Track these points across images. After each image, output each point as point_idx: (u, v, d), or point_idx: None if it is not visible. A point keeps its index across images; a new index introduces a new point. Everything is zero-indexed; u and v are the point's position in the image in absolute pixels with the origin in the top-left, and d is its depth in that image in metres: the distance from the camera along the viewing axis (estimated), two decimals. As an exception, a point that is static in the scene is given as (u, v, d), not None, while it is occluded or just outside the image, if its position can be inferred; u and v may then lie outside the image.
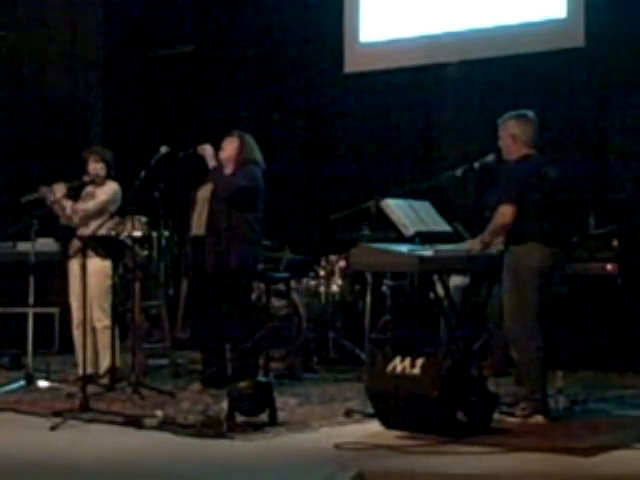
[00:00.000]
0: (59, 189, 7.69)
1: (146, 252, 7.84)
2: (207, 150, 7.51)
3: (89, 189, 7.81)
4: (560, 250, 6.21)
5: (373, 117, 10.08)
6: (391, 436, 5.69)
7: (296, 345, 8.23)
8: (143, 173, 6.97)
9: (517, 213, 6.09)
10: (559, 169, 6.34)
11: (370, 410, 6.02)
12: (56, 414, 6.22)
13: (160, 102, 11.21)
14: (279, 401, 6.28)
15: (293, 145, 10.48)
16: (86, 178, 7.76)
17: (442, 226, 7.32)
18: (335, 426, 6.05)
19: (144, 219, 7.73)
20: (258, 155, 7.51)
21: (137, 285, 7.53)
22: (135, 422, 6.02)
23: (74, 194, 7.79)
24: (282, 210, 9.59)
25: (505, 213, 6.12)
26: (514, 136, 6.26)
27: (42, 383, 7.43)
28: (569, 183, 6.56)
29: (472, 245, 6.39)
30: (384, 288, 8.35)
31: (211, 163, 7.49)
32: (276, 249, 8.78)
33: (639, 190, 8.75)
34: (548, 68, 9.02)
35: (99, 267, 7.40)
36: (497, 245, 6.30)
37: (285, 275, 8.14)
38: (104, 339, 7.49)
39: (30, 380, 7.41)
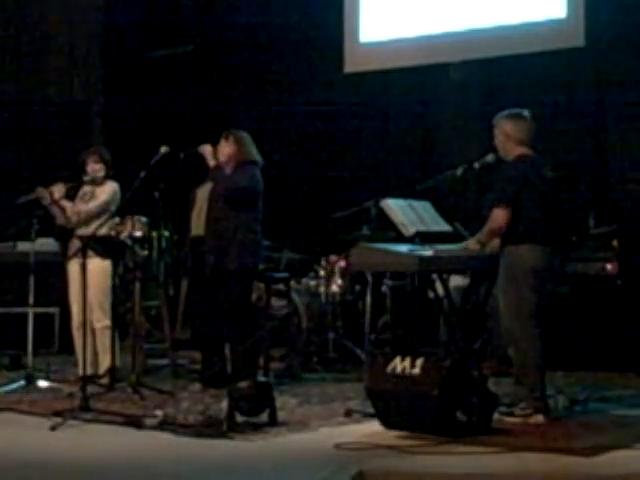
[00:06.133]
0: (58, 190, 7.67)
1: (146, 252, 7.83)
2: (207, 150, 7.51)
3: (87, 189, 7.79)
4: (556, 250, 6.20)
5: (373, 117, 10.09)
6: (391, 436, 5.69)
7: (296, 345, 8.23)
8: (143, 173, 6.97)
9: (513, 213, 6.09)
10: (556, 169, 6.33)
11: (370, 410, 6.02)
12: (56, 414, 6.21)
13: (160, 102, 11.20)
14: (279, 401, 6.28)
15: (293, 145, 10.47)
16: (87, 178, 7.75)
17: (442, 226, 7.32)
18: (335, 426, 6.05)
19: (144, 219, 7.72)
20: (255, 153, 7.49)
21: (137, 285, 7.53)
22: (135, 422, 6.02)
23: (72, 194, 7.78)
24: (282, 210, 9.58)
25: (498, 217, 6.11)
26: (508, 135, 6.25)
27: (42, 383, 7.43)
28: (566, 183, 6.55)
29: (469, 245, 6.39)
30: (384, 288, 8.34)
31: (211, 162, 7.49)
32: (276, 249, 8.77)
33: (639, 190, 8.75)
34: (548, 68, 9.02)
35: (99, 267, 7.39)
36: (494, 246, 6.29)
37: (285, 275, 8.13)
38: (103, 339, 7.48)
39: (30, 380, 7.41)
